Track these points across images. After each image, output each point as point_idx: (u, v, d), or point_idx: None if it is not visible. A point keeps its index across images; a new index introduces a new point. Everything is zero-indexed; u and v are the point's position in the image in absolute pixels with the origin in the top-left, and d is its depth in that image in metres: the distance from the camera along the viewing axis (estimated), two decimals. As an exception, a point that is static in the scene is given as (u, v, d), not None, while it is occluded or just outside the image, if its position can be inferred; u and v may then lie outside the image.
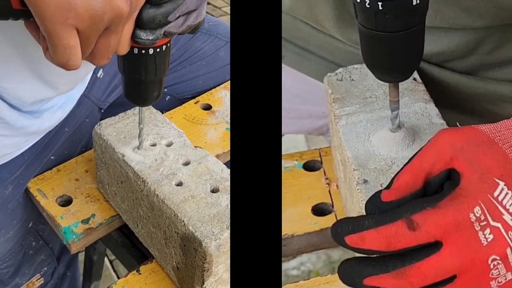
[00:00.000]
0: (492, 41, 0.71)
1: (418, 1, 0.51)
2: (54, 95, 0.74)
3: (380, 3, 0.51)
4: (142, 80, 0.62)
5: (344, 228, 0.49)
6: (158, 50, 0.59)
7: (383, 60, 0.56)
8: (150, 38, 0.55)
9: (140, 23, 0.54)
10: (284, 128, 0.96)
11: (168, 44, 0.60)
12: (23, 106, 0.72)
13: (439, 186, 0.49)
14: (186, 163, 0.69)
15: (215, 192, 0.65)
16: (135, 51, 0.58)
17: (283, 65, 0.87)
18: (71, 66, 0.51)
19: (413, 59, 0.56)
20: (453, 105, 0.76)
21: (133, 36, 0.55)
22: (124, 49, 0.55)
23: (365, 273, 0.48)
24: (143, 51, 0.59)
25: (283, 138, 1.07)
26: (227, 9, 2.72)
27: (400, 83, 0.70)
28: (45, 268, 0.94)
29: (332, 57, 0.83)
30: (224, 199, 0.64)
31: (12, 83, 0.68)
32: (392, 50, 0.55)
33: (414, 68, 0.58)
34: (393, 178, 0.50)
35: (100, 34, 0.51)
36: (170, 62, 0.63)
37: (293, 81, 0.88)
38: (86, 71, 0.80)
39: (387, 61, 0.56)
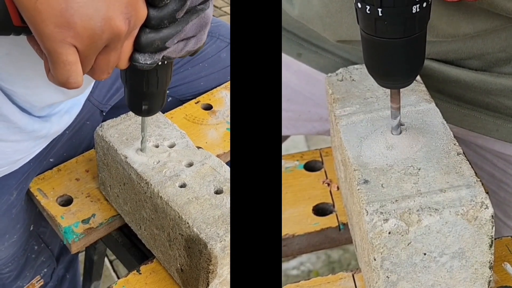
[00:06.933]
0: (506, 38, 0.71)
1: (418, 9, 0.52)
2: (64, 99, 0.74)
3: (380, 10, 0.52)
4: (144, 92, 0.61)
5: None
6: (160, 63, 0.58)
7: (383, 66, 0.56)
8: (148, 62, 0.55)
9: (138, 47, 0.53)
10: (294, 130, 0.97)
11: None
12: (33, 111, 0.72)
13: None
14: (189, 165, 0.69)
15: (219, 194, 0.65)
16: None
17: (297, 69, 0.87)
18: (72, 84, 0.51)
19: (414, 65, 0.57)
20: (469, 100, 0.76)
21: (132, 60, 0.54)
22: (124, 64, 0.55)
23: None
24: None
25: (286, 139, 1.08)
26: (227, 9, 2.71)
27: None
28: (45, 270, 0.94)
29: (349, 55, 0.83)
30: (228, 201, 0.64)
31: (22, 88, 0.67)
32: (392, 57, 0.55)
33: (415, 74, 0.58)
34: None
35: (100, 51, 0.51)
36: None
37: (305, 84, 0.89)
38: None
39: (387, 67, 0.56)
